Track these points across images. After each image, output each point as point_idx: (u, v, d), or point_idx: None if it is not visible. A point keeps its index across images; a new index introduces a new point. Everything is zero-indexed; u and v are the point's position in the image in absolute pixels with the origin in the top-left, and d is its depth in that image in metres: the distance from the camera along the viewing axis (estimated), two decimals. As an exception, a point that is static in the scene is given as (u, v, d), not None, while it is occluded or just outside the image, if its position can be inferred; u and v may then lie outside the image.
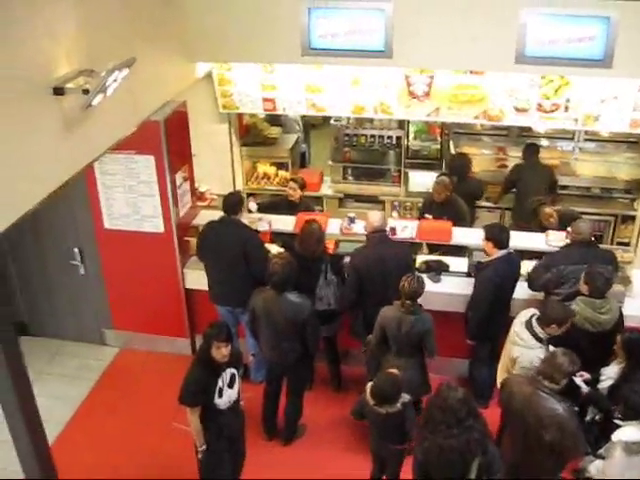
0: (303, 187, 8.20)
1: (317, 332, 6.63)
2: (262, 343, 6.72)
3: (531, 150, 9.09)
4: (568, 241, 6.96)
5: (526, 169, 9.06)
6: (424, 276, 6.70)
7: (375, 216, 6.86)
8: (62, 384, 7.97)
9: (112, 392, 7.84)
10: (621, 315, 6.29)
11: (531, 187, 8.81)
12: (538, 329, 5.83)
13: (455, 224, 7.64)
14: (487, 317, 6.75)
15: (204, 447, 5.73)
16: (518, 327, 6.00)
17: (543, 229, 7.73)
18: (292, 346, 6.52)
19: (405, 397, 5.66)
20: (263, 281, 6.59)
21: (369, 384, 5.77)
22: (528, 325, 5.91)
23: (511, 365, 6.05)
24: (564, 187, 9.34)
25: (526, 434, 5.24)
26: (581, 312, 6.07)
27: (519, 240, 7.26)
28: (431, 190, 8.35)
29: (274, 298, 6.40)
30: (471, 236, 7.53)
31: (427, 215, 8.13)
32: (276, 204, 8.34)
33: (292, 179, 8.29)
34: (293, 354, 6.56)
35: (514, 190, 9.20)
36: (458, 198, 8.22)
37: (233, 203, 7.13)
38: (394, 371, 5.74)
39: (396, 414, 5.62)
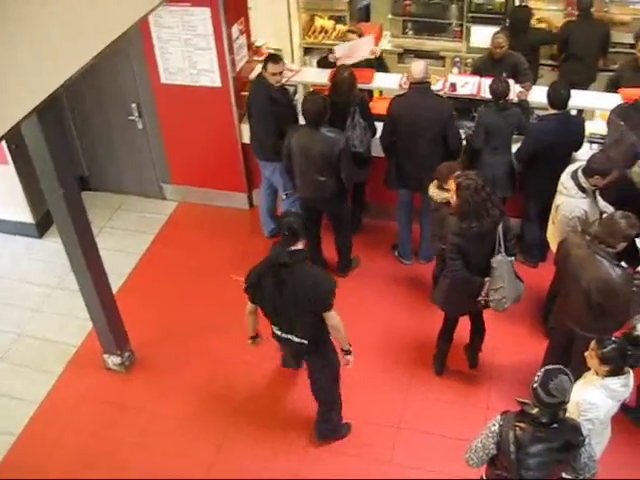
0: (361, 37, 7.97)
1: (351, 165, 6.74)
2: (297, 180, 6.84)
3: (582, 4, 8.53)
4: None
5: (576, 25, 8.62)
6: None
7: (417, 67, 6.67)
8: (123, 237, 8.21)
9: (172, 245, 8.07)
10: None
11: (582, 45, 8.46)
12: (582, 179, 5.84)
13: (516, 80, 7.41)
14: (533, 173, 6.82)
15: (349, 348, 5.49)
16: (564, 177, 6.03)
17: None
18: (327, 181, 6.66)
19: None
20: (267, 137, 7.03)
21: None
22: (573, 175, 5.92)
23: (554, 213, 6.16)
24: (633, 46, 8.82)
25: (579, 295, 5.27)
26: None
27: (581, 100, 7.11)
28: (490, 47, 8.02)
29: (309, 133, 6.52)
30: (532, 93, 7.30)
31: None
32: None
33: (350, 30, 8.07)
34: (328, 189, 6.70)
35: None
36: (513, 52, 7.88)
37: (264, 62, 7.04)
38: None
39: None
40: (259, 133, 7.23)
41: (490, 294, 5.68)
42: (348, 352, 5.44)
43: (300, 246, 5.13)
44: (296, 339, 5.27)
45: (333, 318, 5.16)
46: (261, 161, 7.46)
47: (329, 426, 5.97)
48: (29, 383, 6.59)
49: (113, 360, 6.57)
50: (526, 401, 4.13)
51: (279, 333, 5.38)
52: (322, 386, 5.69)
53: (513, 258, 5.72)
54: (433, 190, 6.07)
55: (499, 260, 5.56)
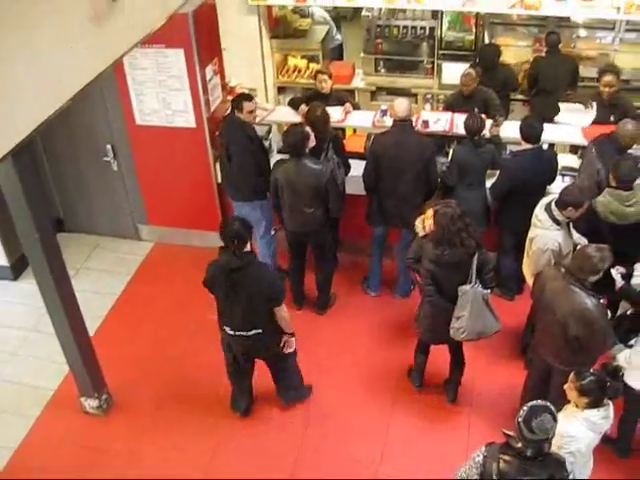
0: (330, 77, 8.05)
1: (339, 195, 6.87)
2: (285, 213, 6.90)
3: (551, 40, 8.68)
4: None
5: (545, 61, 8.76)
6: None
7: (401, 105, 6.72)
8: (99, 278, 8.14)
9: (148, 285, 8.04)
10: None
11: (552, 80, 8.58)
12: (556, 212, 5.88)
13: (487, 115, 7.49)
14: (507, 206, 6.90)
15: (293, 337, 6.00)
16: (538, 209, 6.08)
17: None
18: (315, 212, 6.75)
19: None
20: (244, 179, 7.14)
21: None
22: (547, 207, 5.97)
23: (529, 246, 6.20)
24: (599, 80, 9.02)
25: (556, 329, 5.30)
26: (607, 205, 6.01)
27: (553, 133, 7.20)
28: (459, 84, 8.11)
29: (294, 166, 6.61)
30: (504, 128, 7.40)
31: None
32: (308, 98, 8.23)
33: (320, 71, 8.12)
34: (316, 221, 6.81)
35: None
36: (484, 88, 8.00)
37: (235, 102, 7.12)
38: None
39: None
40: (238, 174, 7.21)
41: (452, 321, 5.75)
42: (292, 335, 5.98)
43: (248, 248, 5.57)
44: (249, 333, 5.71)
45: (282, 310, 5.75)
46: (237, 202, 7.44)
47: (292, 389, 6.47)
48: (6, 428, 6.48)
49: (90, 403, 6.49)
50: (511, 433, 4.14)
51: (232, 333, 5.78)
52: (282, 371, 6.27)
53: (488, 291, 5.78)
54: (419, 225, 6.12)
55: (466, 290, 5.66)
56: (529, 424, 3.99)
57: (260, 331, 5.73)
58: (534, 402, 4.13)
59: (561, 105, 7.98)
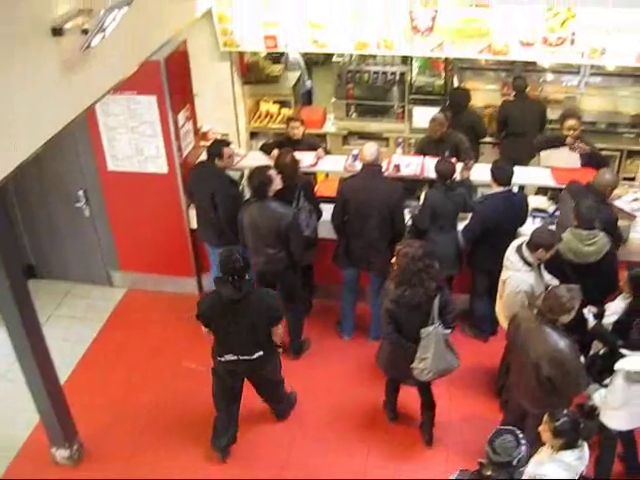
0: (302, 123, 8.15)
1: (300, 239, 6.86)
2: (250, 252, 6.87)
3: (517, 85, 8.87)
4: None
5: (513, 105, 8.94)
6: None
7: (369, 149, 6.79)
8: (71, 325, 8.05)
9: (121, 332, 7.94)
10: (612, 252, 6.22)
11: (520, 124, 8.76)
12: (527, 253, 5.94)
13: (458, 159, 7.57)
14: (479, 249, 6.97)
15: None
16: (509, 251, 6.13)
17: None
18: (278, 254, 6.79)
19: None
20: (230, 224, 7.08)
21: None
22: (518, 249, 6.02)
23: (501, 288, 6.22)
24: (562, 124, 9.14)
25: (530, 371, 5.31)
26: (567, 242, 6.08)
27: (523, 176, 7.30)
28: (428, 129, 8.23)
29: (258, 207, 6.66)
30: (475, 172, 7.47)
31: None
32: (279, 143, 8.28)
33: (293, 118, 8.21)
34: (280, 262, 6.84)
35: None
36: (454, 132, 8.11)
37: (213, 149, 7.21)
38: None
39: None
40: (226, 220, 7.17)
41: (415, 362, 5.78)
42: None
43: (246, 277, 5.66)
44: (253, 356, 5.85)
45: (279, 327, 5.94)
46: (216, 248, 7.30)
47: (283, 405, 6.73)
48: (-27, 480, 6.35)
49: (61, 454, 6.37)
50: (485, 462, 4.26)
51: (234, 358, 5.85)
52: (274, 387, 6.48)
53: (448, 331, 5.80)
54: None
55: (428, 331, 5.68)
56: (492, 445, 4.19)
57: (262, 353, 5.89)
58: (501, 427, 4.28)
59: (545, 153, 8.05)
